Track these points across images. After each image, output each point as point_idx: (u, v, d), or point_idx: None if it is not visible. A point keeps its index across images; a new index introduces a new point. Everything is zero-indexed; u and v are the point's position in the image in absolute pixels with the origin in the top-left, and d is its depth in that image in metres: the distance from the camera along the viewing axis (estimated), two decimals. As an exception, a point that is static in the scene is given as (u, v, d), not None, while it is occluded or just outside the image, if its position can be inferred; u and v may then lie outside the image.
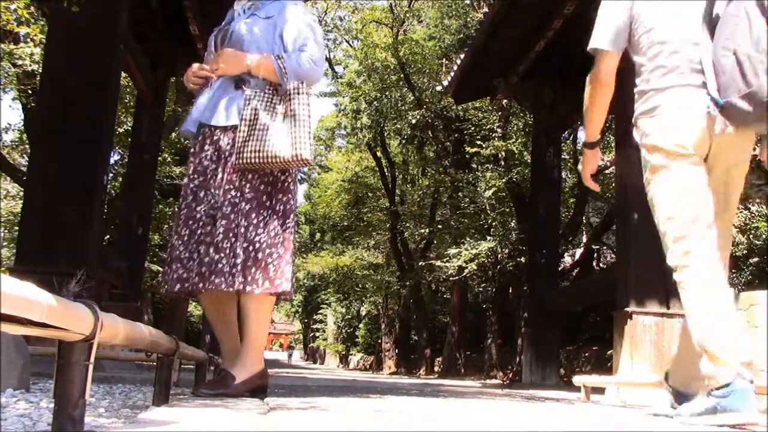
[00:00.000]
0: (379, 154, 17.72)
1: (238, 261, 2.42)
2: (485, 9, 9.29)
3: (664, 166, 2.19)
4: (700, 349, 2.01)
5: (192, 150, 2.70)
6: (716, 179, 2.19)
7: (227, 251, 2.43)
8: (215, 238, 2.46)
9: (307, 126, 2.53)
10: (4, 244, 13.02)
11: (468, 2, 12.59)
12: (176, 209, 2.72)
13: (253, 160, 2.47)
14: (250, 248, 2.45)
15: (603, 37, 2.30)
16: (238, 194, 2.51)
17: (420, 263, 15.79)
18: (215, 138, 2.63)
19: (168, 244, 2.67)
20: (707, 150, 2.16)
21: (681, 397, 2.31)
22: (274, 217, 2.53)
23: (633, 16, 2.29)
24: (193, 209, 2.57)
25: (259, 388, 2.53)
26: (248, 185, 2.53)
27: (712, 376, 1.97)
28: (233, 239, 2.45)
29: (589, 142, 2.53)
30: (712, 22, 2.09)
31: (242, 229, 2.46)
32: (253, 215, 2.49)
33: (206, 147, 2.63)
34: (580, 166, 2.60)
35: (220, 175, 2.56)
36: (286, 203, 2.59)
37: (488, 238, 11.17)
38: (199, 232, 2.52)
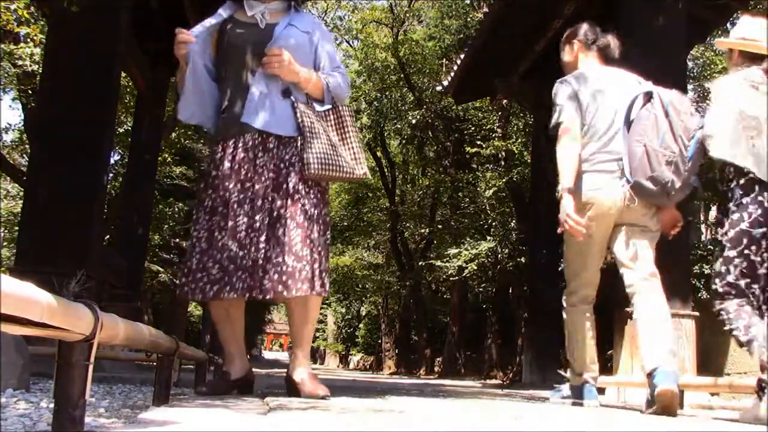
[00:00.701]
0: (379, 154, 17.72)
1: (319, 267, 2.54)
2: (485, 9, 9.29)
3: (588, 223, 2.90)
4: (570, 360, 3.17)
5: (227, 156, 2.62)
6: (622, 237, 2.95)
7: (308, 258, 2.50)
8: (293, 247, 2.49)
9: (360, 144, 2.75)
10: (4, 244, 13.02)
11: (468, 2, 12.60)
12: (202, 216, 2.60)
13: (323, 173, 2.57)
14: (323, 254, 2.59)
15: (561, 113, 2.97)
16: (306, 203, 2.59)
17: (420, 263, 15.79)
18: (270, 146, 2.62)
19: (193, 251, 2.57)
20: (616, 216, 2.88)
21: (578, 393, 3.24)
22: (324, 225, 2.66)
23: (579, 102, 2.96)
24: (243, 218, 2.52)
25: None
26: (311, 194, 2.62)
27: (572, 379, 3.18)
28: (311, 246, 2.53)
29: (570, 186, 2.90)
30: (629, 121, 2.84)
31: (315, 235, 2.56)
32: (320, 222, 2.62)
33: (259, 154, 2.61)
34: (562, 213, 2.90)
35: (286, 185, 2.58)
36: (328, 213, 2.75)
37: (488, 238, 11.18)
38: (260, 240, 2.50)
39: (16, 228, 9.44)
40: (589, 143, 2.91)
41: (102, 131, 5.15)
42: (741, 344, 2.57)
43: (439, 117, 13.84)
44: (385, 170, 17.88)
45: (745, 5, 7.48)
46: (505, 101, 10.67)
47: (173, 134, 10.87)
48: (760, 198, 2.57)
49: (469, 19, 12.03)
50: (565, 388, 3.20)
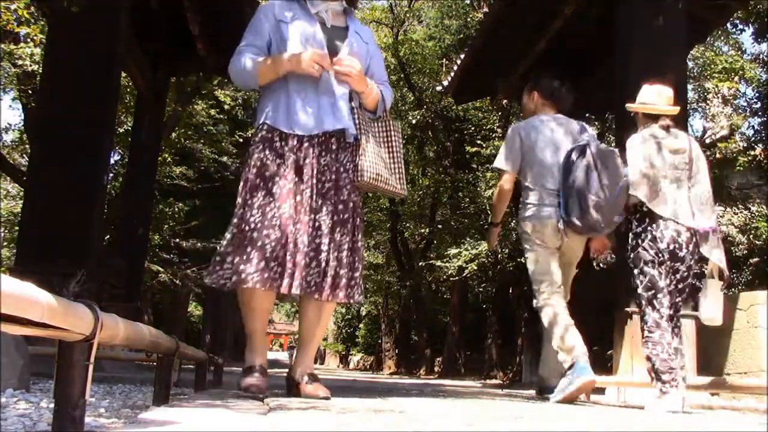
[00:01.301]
0: (379, 154, 17.69)
1: (360, 275, 2.61)
2: (485, 9, 9.29)
3: (533, 251, 3.65)
4: (557, 350, 3.41)
5: (289, 149, 2.56)
6: (563, 261, 3.68)
7: (352, 266, 2.56)
8: (341, 253, 2.52)
9: (403, 161, 2.83)
10: (4, 244, 13.02)
11: (468, 2, 12.60)
12: (256, 204, 2.50)
13: (373, 183, 2.62)
14: (361, 261, 2.64)
15: (502, 160, 3.73)
16: (358, 210, 2.65)
17: (420, 263, 15.79)
18: (333, 147, 2.62)
19: (245, 239, 2.46)
20: (559, 245, 3.59)
21: (547, 390, 3.54)
22: (362, 233, 2.71)
23: (522, 152, 3.68)
24: (305, 216, 2.49)
25: None
26: (359, 201, 2.69)
27: (565, 361, 3.35)
28: (355, 255, 2.58)
29: (496, 222, 4.06)
30: (567, 167, 3.46)
31: (358, 245, 2.61)
32: (361, 229, 2.68)
33: (322, 153, 2.59)
34: (491, 240, 4.19)
35: (345, 189, 2.59)
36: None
37: (488, 238, 11.14)
38: (315, 240, 2.49)
39: (16, 228, 9.45)
40: (535, 183, 3.63)
41: (102, 131, 5.15)
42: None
43: (439, 117, 13.85)
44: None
45: (745, 5, 7.49)
46: (505, 101, 10.66)
47: (173, 134, 10.87)
48: (649, 228, 3.29)
49: (469, 19, 12.04)
50: (559, 384, 3.35)
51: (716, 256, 3.29)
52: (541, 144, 3.63)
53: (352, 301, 2.58)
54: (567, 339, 3.36)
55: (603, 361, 6.27)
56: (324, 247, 2.50)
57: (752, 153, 10.32)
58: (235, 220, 2.55)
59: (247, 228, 2.47)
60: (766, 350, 4.86)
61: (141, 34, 7.03)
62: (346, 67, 2.62)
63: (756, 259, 8.95)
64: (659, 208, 3.29)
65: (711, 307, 3.29)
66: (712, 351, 5.30)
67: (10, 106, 11.26)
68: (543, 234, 3.54)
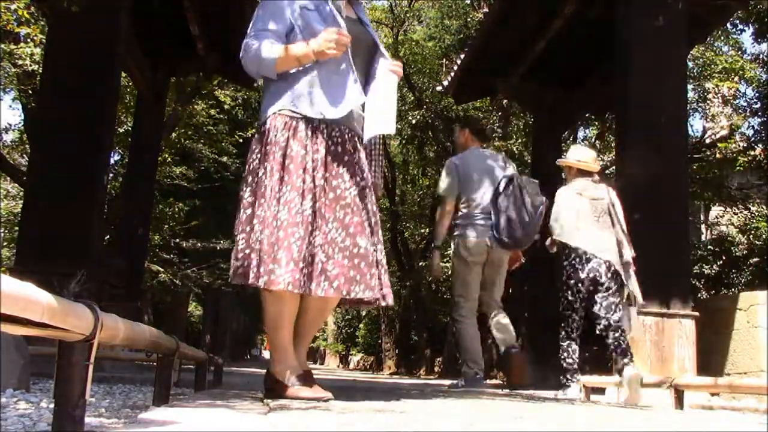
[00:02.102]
0: (379, 154, 17.68)
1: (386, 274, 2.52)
2: (485, 9, 9.29)
3: (460, 265, 4.46)
4: (463, 361, 4.57)
5: (316, 142, 2.44)
6: (491, 272, 4.51)
7: (378, 269, 2.46)
8: (371, 256, 2.40)
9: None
10: (4, 244, 13.02)
11: (468, 2, 12.60)
12: (283, 198, 2.35)
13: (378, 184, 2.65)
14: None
15: (444, 188, 4.49)
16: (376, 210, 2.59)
17: (420, 263, 15.78)
18: (358, 146, 2.56)
19: (275, 237, 2.31)
20: (485, 258, 4.42)
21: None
22: None
23: (459, 181, 4.45)
24: (346, 215, 2.39)
25: None
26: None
27: (467, 372, 4.45)
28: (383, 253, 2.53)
29: (439, 245, 4.70)
30: (498, 193, 4.30)
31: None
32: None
33: (349, 150, 2.50)
34: (433, 263, 4.79)
35: (368, 191, 2.51)
36: None
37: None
38: (350, 238, 2.39)
39: (16, 228, 9.44)
40: (469, 206, 4.36)
41: (102, 131, 5.15)
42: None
43: (439, 117, 13.84)
44: (385, 170, 17.89)
45: (745, 5, 7.49)
46: (505, 101, 10.67)
47: (173, 134, 10.87)
48: (573, 261, 4.26)
49: (469, 20, 12.04)
50: (468, 381, 4.42)
51: (631, 284, 4.23)
52: (475, 174, 4.39)
53: (391, 302, 2.50)
54: (472, 353, 4.47)
55: (603, 361, 6.28)
56: (379, 246, 2.45)
57: (752, 153, 10.32)
58: (256, 212, 2.40)
59: (273, 223, 2.33)
60: (766, 350, 4.86)
61: (141, 34, 7.03)
62: (399, 67, 2.61)
63: (756, 259, 8.94)
64: (582, 245, 4.24)
65: (629, 324, 4.24)
66: (712, 351, 5.30)
67: (10, 106, 11.25)
68: (473, 250, 4.34)
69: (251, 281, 2.34)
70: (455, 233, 4.38)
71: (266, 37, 2.52)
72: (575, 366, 4.30)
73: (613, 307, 4.17)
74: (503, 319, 4.52)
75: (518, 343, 4.80)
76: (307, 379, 2.44)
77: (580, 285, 4.23)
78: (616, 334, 4.15)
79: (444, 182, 4.45)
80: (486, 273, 4.45)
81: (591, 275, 4.19)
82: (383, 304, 2.47)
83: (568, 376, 4.28)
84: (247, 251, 2.39)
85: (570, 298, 4.30)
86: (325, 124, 2.48)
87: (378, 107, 2.61)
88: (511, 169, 4.42)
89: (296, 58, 2.47)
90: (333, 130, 2.49)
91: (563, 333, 4.38)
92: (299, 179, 2.37)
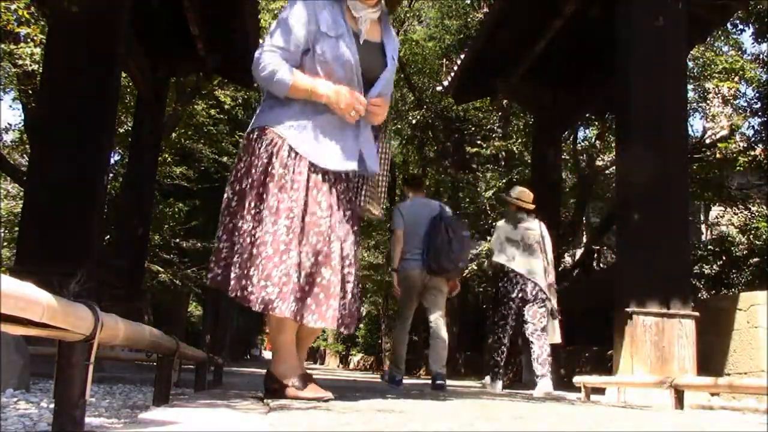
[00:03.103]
0: (379, 154, 17.66)
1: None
2: (485, 9, 9.29)
3: (402, 291, 5.18)
4: (391, 365, 5.38)
5: (321, 180, 2.46)
6: (428, 294, 5.17)
7: (344, 299, 2.45)
8: (332, 288, 2.38)
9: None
10: (4, 244, 13.02)
11: (468, 2, 12.60)
12: (280, 223, 2.37)
13: (370, 210, 2.66)
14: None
15: (396, 222, 5.17)
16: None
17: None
18: (341, 175, 2.55)
19: (276, 261, 2.32)
20: (423, 284, 5.10)
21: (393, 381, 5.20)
22: None
23: (404, 220, 5.14)
24: (334, 245, 2.40)
25: None
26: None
27: (397, 374, 5.26)
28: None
29: (395, 268, 5.16)
30: (428, 231, 5.00)
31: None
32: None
33: (337, 182, 2.51)
34: (394, 283, 5.24)
35: (349, 221, 2.52)
36: None
37: (488, 238, 11.15)
38: (341, 270, 2.40)
39: (16, 228, 9.44)
40: (408, 243, 5.06)
41: (102, 131, 5.15)
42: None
43: (439, 117, 13.83)
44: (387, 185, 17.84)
45: (745, 5, 7.49)
46: (505, 101, 10.67)
47: (173, 134, 10.87)
48: (507, 281, 5.44)
49: (469, 20, 12.04)
50: (390, 381, 5.25)
51: (553, 301, 5.43)
52: (414, 217, 5.13)
53: (350, 331, 2.54)
54: (397, 358, 5.33)
55: (603, 361, 6.26)
56: (349, 278, 2.44)
57: (752, 153, 10.31)
58: (236, 223, 2.44)
59: (249, 239, 2.38)
60: (766, 350, 4.86)
61: (141, 34, 7.03)
62: (377, 109, 2.56)
63: (756, 260, 8.94)
64: (516, 268, 5.40)
65: (552, 334, 5.42)
66: (712, 351, 5.30)
67: (10, 106, 11.26)
68: (410, 277, 5.06)
69: (229, 292, 2.41)
70: (399, 266, 5.15)
71: (281, 54, 2.50)
72: (502, 364, 5.63)
73: (538, 316, 5.34)
74: (441, 332, 5.16)
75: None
76: (307, 379, 2.45)
77: (511, 302, 5.41)
78: (540, 342, 5.27)
79: (395, 220, 5.25)
80: (425, 296, 5.19)
81: (521, 293, 5.38)
82: (343, 331, 2.46)
83: (494, 372, 5.63)
84: (227, 261, 2.46)
85: (504, 311, 5.48)
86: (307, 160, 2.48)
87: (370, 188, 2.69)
88: (444, 211, 5.21)
89: (309, 92, 2.48)
90: (318, 168, 2.49)
91: (496, 337, 5.57)
92: (273, 198, 2.40)
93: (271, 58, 2.50)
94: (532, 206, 5.61)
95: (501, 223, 5.72)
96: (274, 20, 2.68)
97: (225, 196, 2.56)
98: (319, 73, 2.51)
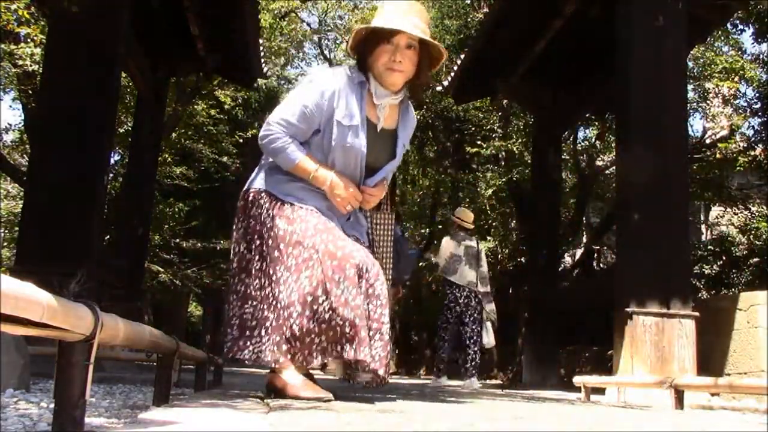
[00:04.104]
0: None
1: None
2: (485, 9, 9.29)
3: None
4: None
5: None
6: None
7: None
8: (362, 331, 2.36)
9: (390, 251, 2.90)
10: (4, 244, 13.02)
11: (468, 2, 12.60)
12: (283, 275, 2.38)
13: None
14: None
15: None
16: None
17: (420, 264, 15.77)
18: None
19: (284, 315, 2.32)
20: None
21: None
22: None
23: None
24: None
25: None
26: None
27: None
28: None
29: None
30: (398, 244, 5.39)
31: None
32: None
33: (349, 216, 2.60)
34: None
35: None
36: None
37: (488, 238, 11.17)
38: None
39: (16, 228, 9.44)
40: None
41: (102, 131, 5.16)
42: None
43: (439, 117, 13.82)
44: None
45: (745, 5, 7.48)
46: (505, 101, 10.66)
47: (173, 134, 10.87)
48: (449, 289, 6.57)
49: (469, 20, 12.02)
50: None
51: (489, 308, 6.53)
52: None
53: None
54: None
55: (603, 361, 6.27)
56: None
57: (752, 153, 10.31)
58: (247, 290, 2.45)
59: (271, 301, 2.38)
60: (766, 350, 4.86)
61: (141, 34, 7.03)
62: (372, 198, 2.57)
63: (756, 260, 8.94)
64: (457, 279, 6.47)
65: (487, 337, 6.47)
66: (712, 351, 5.30)
67: (10, 106, 11.25)
68: None
69: (249, 358, 2.38)
70: None
71: (291, 131, 2.48)
72: (445, 361, 6.71)
73: (477, 321, 6.46)
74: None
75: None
76: (307, 379, 2.45)
77: (453, 309, 6.53)
78: (475, 348, 6.40)
79: None
80: None
81: (462, 300, 6.48)
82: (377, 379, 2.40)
83: (440, 367, 6.71)
84: (243, 327, 2.43)
85: (447, 315, 6.59)
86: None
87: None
88: (397, 231, 5.48)
89: (311, 177, 2.48)
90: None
91: (441, 337, 6.65)
92: (290, 257, 2.36)
93: (280, 132, 2.48)
94: (471, 226, 6.78)
95: (446, 239, 6.83)
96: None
97: (231, 263, 2.57)
98: (325, 156, 2.51)
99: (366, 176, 2.57)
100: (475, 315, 6.48)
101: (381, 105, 2.54)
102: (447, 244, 6.69)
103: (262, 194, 2.52)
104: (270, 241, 2.43)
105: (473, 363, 6.43)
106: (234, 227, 2.60)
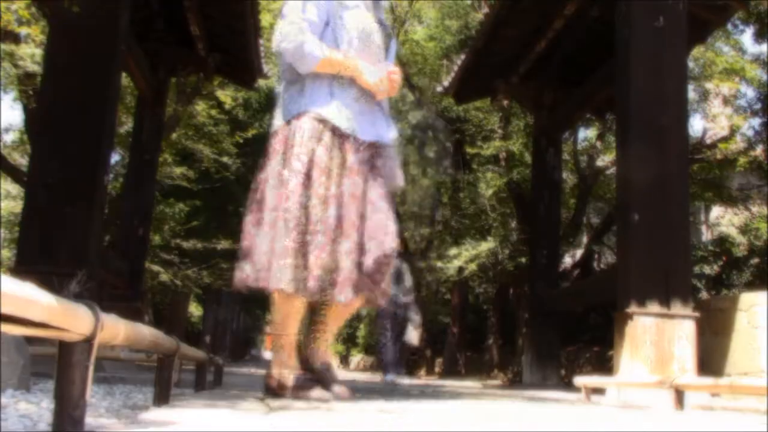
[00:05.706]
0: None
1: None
2: (486, 9, 9.29)
3: None
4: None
5: (341, 145, 2.42)
6: None
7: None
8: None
9: None
10: (4, 244, 13.02)
11: (469, 3, 12.60)
12: (316, 207, 2.33)
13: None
14: None
15: None
16: None
17: (420, 264, 15.77)
18: (374, 153, 2.52)
19: (312, 244, 2.30)
20: None
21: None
22: None
23: None
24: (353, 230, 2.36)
25: None
26: None
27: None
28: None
29: None
30: None
31: None
32: None
33: (366, 159, 2.48)
34: None
35: (368, 193, 2.45)
36: None
37: (489, 238, 11.16)
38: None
39: (16, 228, 9.43)
40: None
41: (102, 131, 5.15)
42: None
43: (439, 117, 13.83)
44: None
45: (745, 5, 7.48)
46: (505, 102, 10.66)
47: (173, 134, 10.87)
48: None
49: (469, 20, 12.03)
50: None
51: (411, 315, 7.95)
52: None
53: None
54: None
55: (603, 361, 6.27)
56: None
57: (752, 154, 10.31)
58: (278, 216, 2.34)
59: (299, 228, 2.31)
60: (766, 350, 4.86)
61: (141, 34, 7.03)
62: (397, 78, 2.55)
63: (756, 260, 8.93)
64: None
65: (411, 338, 8.01)
66: (712, 351, 5.30)
67: (11, 106, 11.25)
68: None
69: (272, 286, 2.32)
70: None
71: (308, 28, 2.41)
72: (387, 362, 7.88)
73: (398, 328, 7.83)
74: None
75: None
76: (307, 380, 2.45)
77: (389, 317, 7.69)
78: (395, 348, 7.77)
79: None
80: None
81: (394, 310, 7.59)
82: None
83: (384, 366, 7.87)
84: (268, 255, 2.34)
85: (383, 323, 7.87)
86: (352, 135, 2.44)
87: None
88: None
89: (339, 67, 2.41)
90: (359, 142, 2.46)
91: (380, 342, 7.96)
92: (321, 186, 2.33)
93: (296, 31, 2.39)
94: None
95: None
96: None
97: (257, 192, 2.46)
98: (340, 45, 2.45)
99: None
100: (401, 322, 7.95)
101: None
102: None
103: (302, 118, 2.42)
104: (308, 165, 2.36)
105: (395, 361, 7.94)
106: (268, 161, 2.47)
